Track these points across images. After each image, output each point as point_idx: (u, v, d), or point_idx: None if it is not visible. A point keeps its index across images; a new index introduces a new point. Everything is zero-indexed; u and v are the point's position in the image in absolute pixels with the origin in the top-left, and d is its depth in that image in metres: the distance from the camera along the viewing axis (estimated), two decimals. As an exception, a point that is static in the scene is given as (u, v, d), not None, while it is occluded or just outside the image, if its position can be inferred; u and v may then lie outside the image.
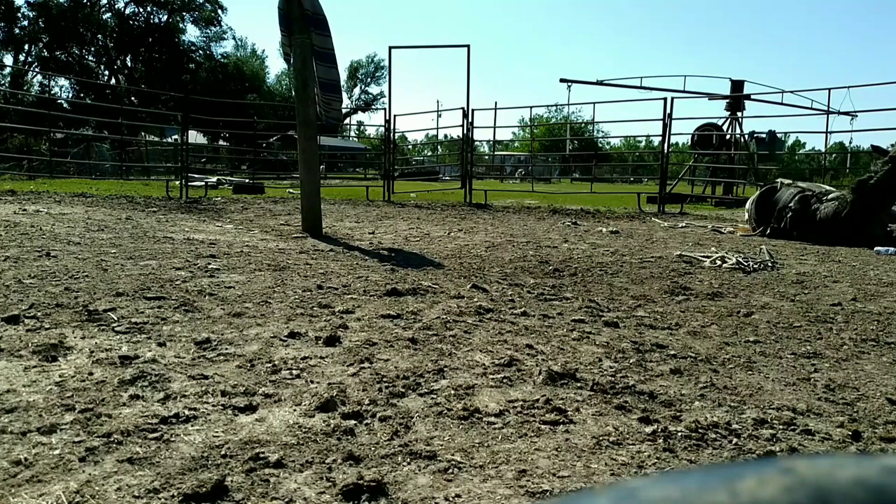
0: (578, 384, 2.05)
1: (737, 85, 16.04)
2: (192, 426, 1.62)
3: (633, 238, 6.70)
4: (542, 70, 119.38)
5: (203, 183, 12.48)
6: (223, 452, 1.47)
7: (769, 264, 4.93)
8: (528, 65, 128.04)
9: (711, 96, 15.72)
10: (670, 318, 3.07)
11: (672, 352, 2.48)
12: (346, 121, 45.38)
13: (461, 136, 12.44)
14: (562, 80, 21.87)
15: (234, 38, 55.09)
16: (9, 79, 34.34)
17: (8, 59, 34.67)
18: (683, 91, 18.72)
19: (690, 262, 5.02)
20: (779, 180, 7.99)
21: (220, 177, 15.30)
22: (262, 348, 2.29)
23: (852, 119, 8.23)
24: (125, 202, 8.77)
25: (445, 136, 48.01)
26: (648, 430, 1.70)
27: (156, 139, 24.67)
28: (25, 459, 1.40)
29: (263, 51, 45.61)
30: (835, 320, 3.15)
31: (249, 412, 1.72)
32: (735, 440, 1.68)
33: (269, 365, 2.10)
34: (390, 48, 12.28)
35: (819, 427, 1.79)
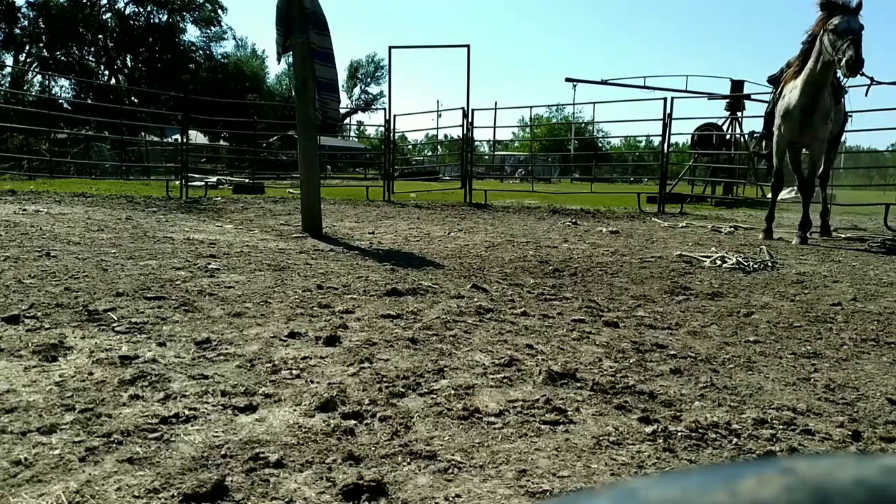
0: (578, 384, 2.05)
1: (737, 85, 16.04)
2: (192, 426, 1.62)
3: (633, 238, 6.70)
4: (542, 70, 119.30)
5: (203, 183, 12.47)
6: (223, 452, 1.47)
7: (769, 264, 4.93)
8: (528, 64, 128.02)
9: (711, 96, 15.71)
10: (670, 318, 3.07)
11: (672, 352, 2.48)
12: (346, 121, 45.43)
13: (461, 136, 12.44)
14: (567, 80, 22.02)
15: (234, 38, 55.21)
16: (9, 79, 34.33)
17: (8, 60, 34.68)
18: (685, 91, 18.74)
19: (690, 262, 5.02)
20: None
21: (220, 177, 15.29)
22: (262, 348, 2.29)
23: (849, 119, 8.25)
24: (125, 202, 8.77)
25: (445, 136, 47.98)
26: (648, 430, 1.70)
27: (156, 139, 24.67)
28: (25, 459, 1.40)
29: (263, 51, 45.53)
30: (835, 320, 3.15)
31: (249, 412, 1.72)
32: (735, 440, 1.68)
33: (269, 365, 2.10)
34: (390, 48, 12.29)
35: (819, 427, 1.79)
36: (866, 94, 6.31)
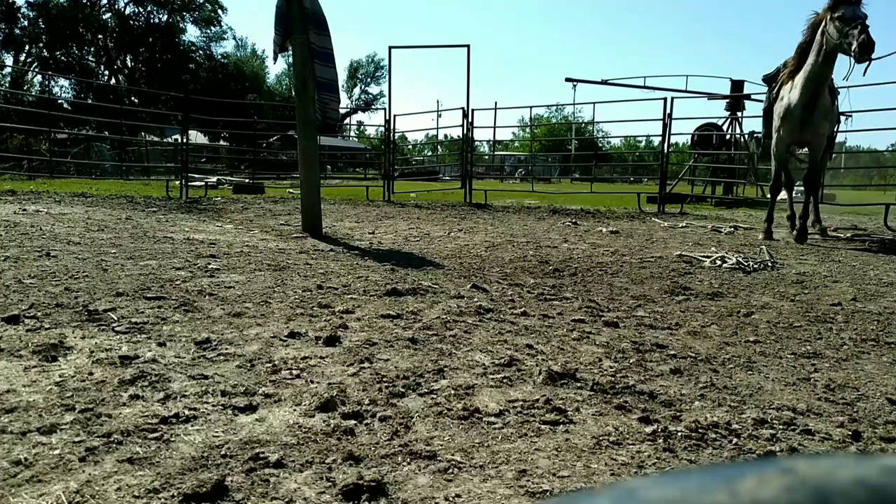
0: (578, 384, 2.05)
1: (737, 85, 16.01)
2: (192, 426, 1.62)
3: (633, 238, 6.70)
4: (542, 70, 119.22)
5: (203, 183, 12.47)
6: (223, 452, 1.47)
7: (769, 264, 4.93)
8: (528, 64, 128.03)
9: (711, 96, 15.70)
10: (670, 318, 3.07)
11: (672, 352, 2.48)
12: (346, 121, 45.44)
13: (461, 136, 12.44)
14: (567, 80, 22.10)
15: (234, 38, 55.27)
16: (9, 79, 34.32)
17: (8, 60, 34.68)
18: (685, 91, 18.72)
19: (690, 262, 5.02)
20: None
21: (220, 177, 15.29)
22: (262, 348, 2.29)
23: (848, 119, 8.24)
24: (125, 202, 8.77)
25: (445, 136, 47.98)
26: (648, 430, 1.70)
27: (156, 139, 24.66)
28: (25, 459, 1.40)
29: (263, 51, 45.50)
30: (835, 320, 3.15)
31: (249, 412, 1.72)
32: (735, 440, 1.68)
33: (269, 365, 2.10)
34: (390, 48, 12.29)
35: (819, 427, 1.79)
36: (864, 74, 6.29)
